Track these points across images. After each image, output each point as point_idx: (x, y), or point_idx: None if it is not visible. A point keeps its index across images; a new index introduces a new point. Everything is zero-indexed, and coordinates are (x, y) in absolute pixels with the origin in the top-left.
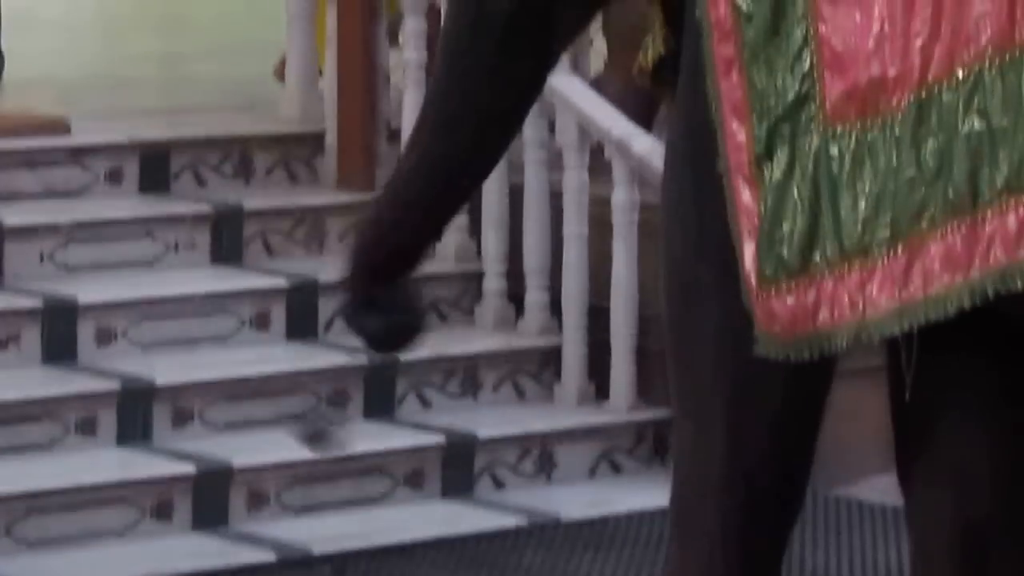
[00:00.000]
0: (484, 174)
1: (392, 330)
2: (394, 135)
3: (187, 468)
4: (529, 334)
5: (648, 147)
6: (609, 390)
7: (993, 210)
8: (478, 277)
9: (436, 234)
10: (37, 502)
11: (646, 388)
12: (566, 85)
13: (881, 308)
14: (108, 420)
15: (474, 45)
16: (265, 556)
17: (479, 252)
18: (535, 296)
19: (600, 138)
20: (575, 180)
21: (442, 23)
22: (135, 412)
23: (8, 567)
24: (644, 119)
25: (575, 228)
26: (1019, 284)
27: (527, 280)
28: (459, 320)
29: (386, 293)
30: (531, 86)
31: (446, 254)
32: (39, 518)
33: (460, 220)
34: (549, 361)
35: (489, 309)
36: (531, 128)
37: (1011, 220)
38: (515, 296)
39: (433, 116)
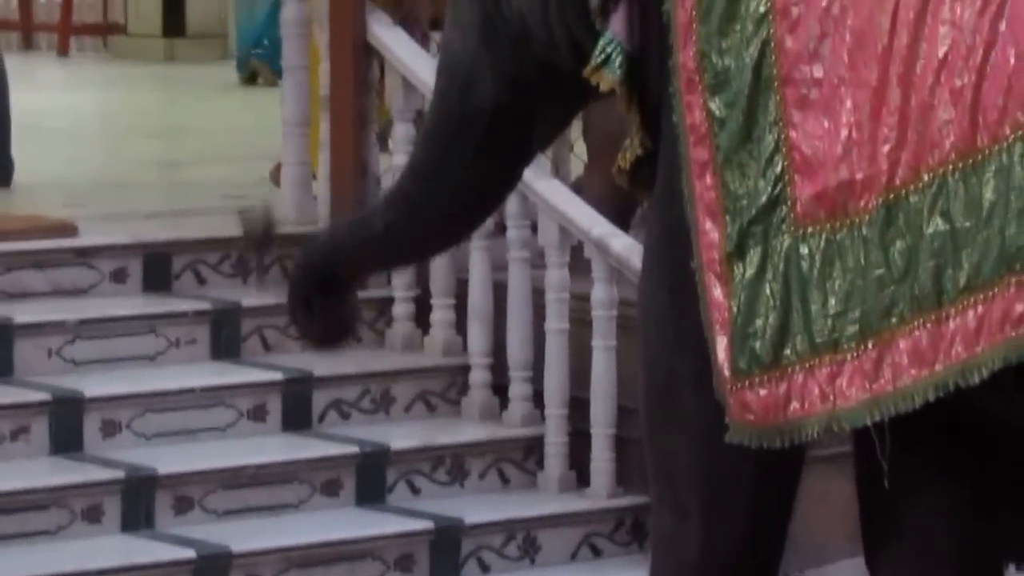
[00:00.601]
0: (435, 253)
1: (328, 328)
2: None
3: (188, 553)
4: (513, 424)
5: (626, 246)
6: (590, 478)
7: (956, 308)
8: (464, 370)
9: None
10: None
11: (625, 476)
12: (548, 188)
13: (851, 400)
14: (113, 508)
15: (456, 139)
16: None
17: (465, 347)
18: (518, 388)
19: (580, 238)
20: (556, 278)
21: (425, 116)
22: (138, 500)
23: None
24: (622, 220)
25: (556, 324)
26: (977, 379)
27: (511, 373)
28: (446, 411)
29: (326, 300)
30: (503, 182)
31: (434, 349)
32: None
33: (447, 316)
34: (532, 450)
35: (475, 401)
36: (514, 228)
37: (971, 317)
38: (499, 388)
39: (402, 198)
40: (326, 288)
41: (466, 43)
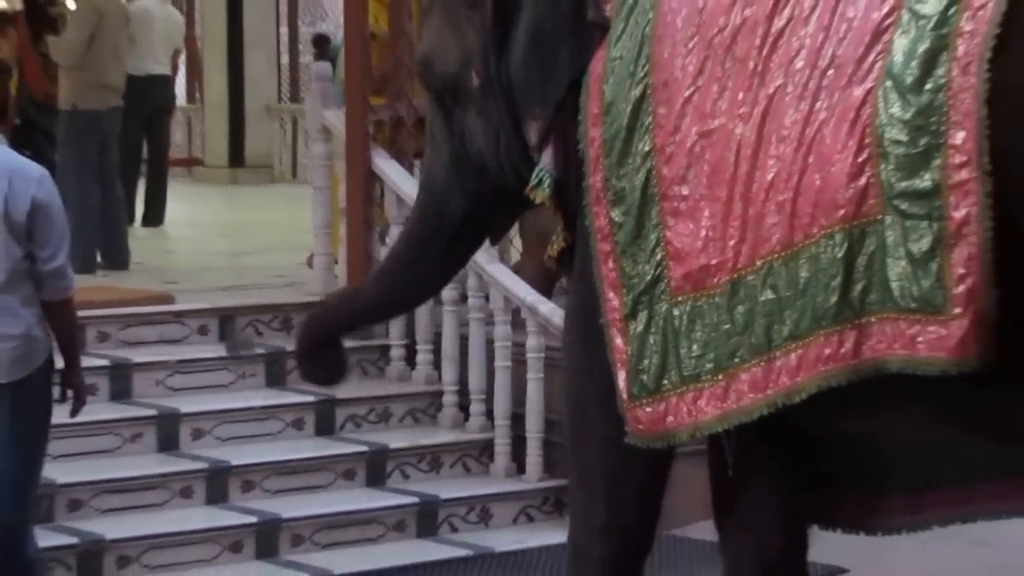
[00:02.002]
0: (413, 308)
1: (329, 372)
2: None
3: (251, 519)
4: (473, 431)
5: (550, 309)
6: (526, 468)
7: (781, 351)
8: (440, 394)
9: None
10: None
11: (550, 467)
12: (496, 270)
13: (708, 416)
14: (200, 489)
15: (434, 236)
16: None
17: (440, 378)
18: (476, 407)
19: (518, 304)
20: (502, 332)
21: (409, 218)
22: (217, 483)
23: None
24: (547, 291)
25: (502, 362)
26: (798, 400)
27: (471, 396)
28: (427, 422)
29: (324, 352)
30: (461, 262)
31: (419, 379)
32: None
33: (428, 357)
34: (486, 449)
35: (447, 415)
36: (472, 297)
37: (792, 358)
38: (464, 406)
39: (390, 274)
40: (322, 344)
41: (441, 170)
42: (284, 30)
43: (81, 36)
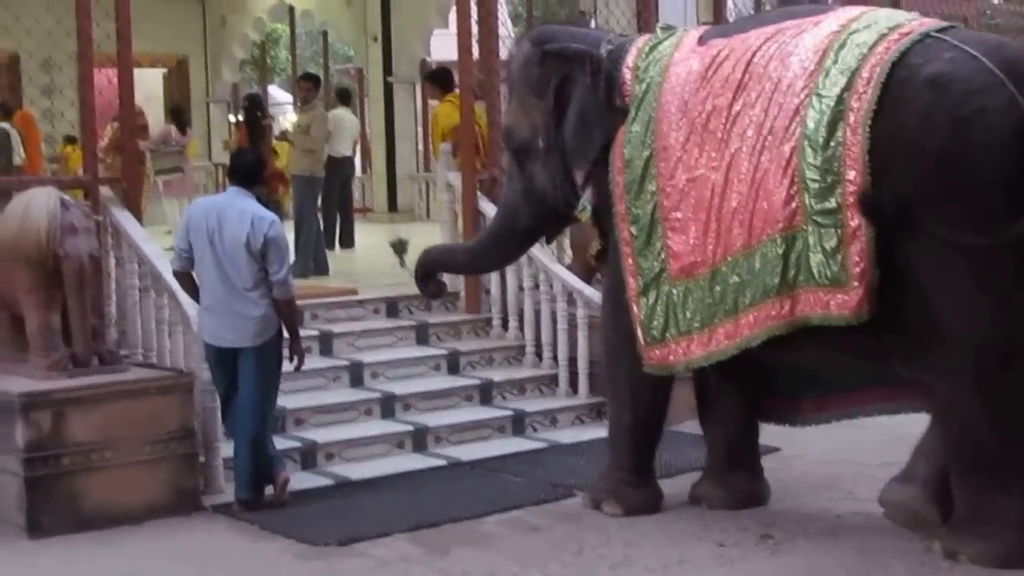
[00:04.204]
0: (486, 271)
1: (434, 292)
2: None
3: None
4: (545, 368)
5: (591, 292)
6: (578, 389)
7: (743, 314)
8: (523, 347)
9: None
10: None
11: (594, 388)
12: (555, 267)
13: (696, 355)
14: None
15: (505, 235)
16: None
17: (523, 336)
18: (547, 352)
19: (570, 288)
20: (561, 306)
21: (493, 222)
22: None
23: None
24: (587, 280)
25: (562, 325)
26: (755, 344)
27: (543, 347)
28: (516, 364)
29: (432, 280)
30: (520, 253)
31: (510, 337)
32: None
33: (515, 323)
34: (553, 379)
35: (528, 359)
36: (542, 285)
37: (751, 317)
38: (538, 353)
39: (480, 248)
40: (430, 273)
41: (514, 197)
42: (420, 129)
43: (322, 133)
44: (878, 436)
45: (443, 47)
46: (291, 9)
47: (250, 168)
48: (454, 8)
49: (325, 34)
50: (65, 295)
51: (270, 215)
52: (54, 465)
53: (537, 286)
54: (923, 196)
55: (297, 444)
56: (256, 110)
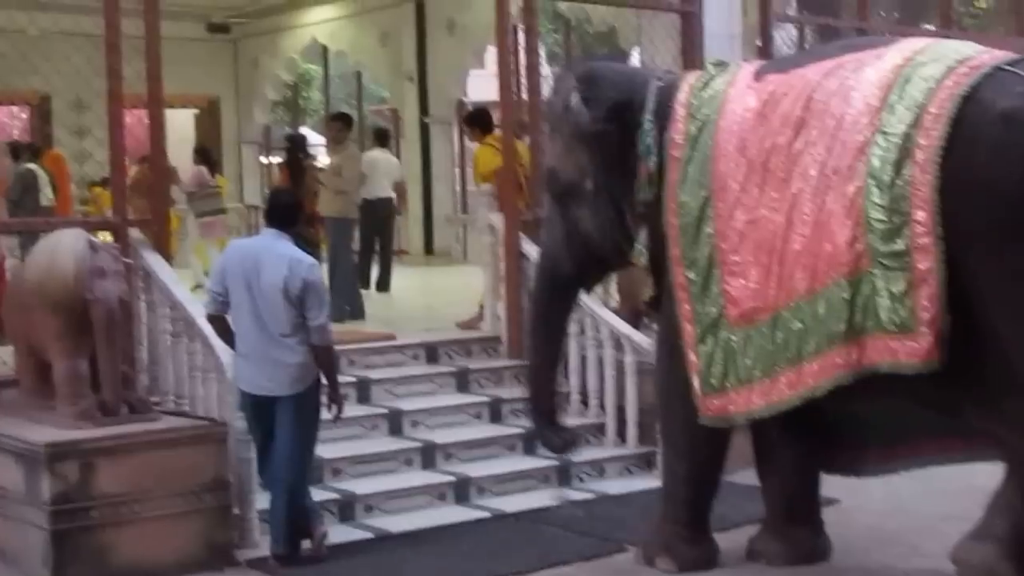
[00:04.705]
0: (559, 347)
1: (563, 443)
2: None
3: (445, 479)
4: (591, 417)
5: (640, 337)
6: (626, 438)
7: (807, 362)
8: (568, 394)
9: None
10: None
11: (643, 437)
12: (602, 312)
13: (758, 405)
14: (416, 460)
15: (551, 294)
16: None
17: (568, 383)
18: (593, 400)
19: (618, 334)
20: (609, 352)
21: (533, 289)
22: (430, 457)
23: None
24: (635, 325)
25: (610, 371)
26: (819, 394)
27: (589, 394)
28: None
29: (552, 426)
30: (569, 311)
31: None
32: None
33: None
34: (600, 428)
35: (573, 407)
36: (588, 330)
37: (815, 366)
38: (584, 401)
39: (536, 339)
40: (546, 413)
41: (554, 244)
42: (457, 170)
43: (355, 174)
44: (939, 487)
45: (478, 87)
46: (324, 49)
47: (286, 210)
48: (489, 49)
49: (359, 74)
50: (94, 340)
51: (308, 258)
52: (81, 518)
53: (583, 331)
54: (997, 237)
55: (335, 496)
56: (298, 151)
